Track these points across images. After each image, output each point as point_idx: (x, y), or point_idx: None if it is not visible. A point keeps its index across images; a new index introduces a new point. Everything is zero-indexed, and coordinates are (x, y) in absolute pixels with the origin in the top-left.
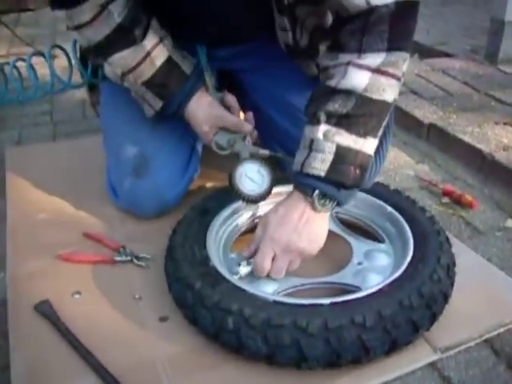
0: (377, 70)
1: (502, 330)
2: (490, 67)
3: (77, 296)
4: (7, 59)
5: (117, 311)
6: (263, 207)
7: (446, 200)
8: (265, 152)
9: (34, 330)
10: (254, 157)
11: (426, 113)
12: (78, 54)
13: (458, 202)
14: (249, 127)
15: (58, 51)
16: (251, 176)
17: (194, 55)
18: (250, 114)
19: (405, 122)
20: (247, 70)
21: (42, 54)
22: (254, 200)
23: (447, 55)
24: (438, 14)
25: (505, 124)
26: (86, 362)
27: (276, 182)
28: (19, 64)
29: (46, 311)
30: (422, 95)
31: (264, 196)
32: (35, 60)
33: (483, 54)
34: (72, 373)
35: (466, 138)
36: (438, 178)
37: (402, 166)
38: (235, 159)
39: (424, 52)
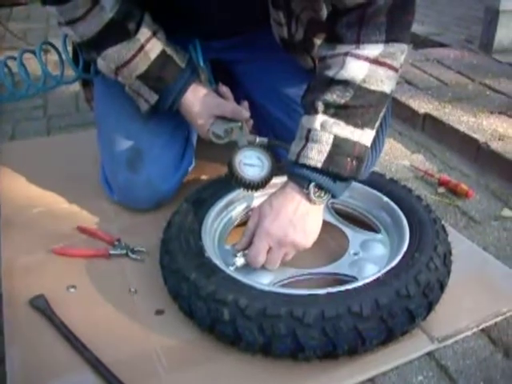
0: (375, 61)
1: (498, 319)
2: (485, 57)
3: (72, 290)
4: None
5: (112, 305)
6: (257, 199)
7: (441, 190)
8: (263, 139)
9: (29, 325)
10: (252, 144)
11: (421, 103)
12: (70, 48)
13: (453, 191)
14: (246, 114)
15: (49, 46)
16: (251, 162)
17: (187, 48)
18: (246, 103)
19: (400, 112)
20: (242, 60)
21: (32, 52)
22: (255, 186)
23: (442, 45)
24: (432, 4)
25: (500, 113)
26: (82, 355)
27: (276, 168)
28: (10, 62)
29: (40, 305)
30: (417, 85)
31: (265, 182)
32: (27, 55)
33: (478, 44)
34: (67, 367)
35: (462, 128)
36: (434, 168)
37: (398, 157)
38: (232, 149)
39: (419, 42)
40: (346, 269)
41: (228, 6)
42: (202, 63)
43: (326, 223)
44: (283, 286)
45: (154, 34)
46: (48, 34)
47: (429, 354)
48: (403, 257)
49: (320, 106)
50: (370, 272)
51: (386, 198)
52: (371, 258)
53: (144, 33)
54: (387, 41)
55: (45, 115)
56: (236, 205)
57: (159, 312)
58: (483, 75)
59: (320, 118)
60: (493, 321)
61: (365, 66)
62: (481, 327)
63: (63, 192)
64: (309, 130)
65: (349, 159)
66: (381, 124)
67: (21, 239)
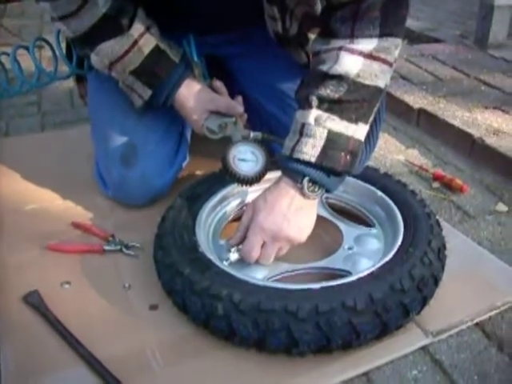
0: (369, 56)
1: (493, 313)
2: (480, 52)
3: (66, 286)
4: None
5: (106, 300)
6: (252, 194)
7: (436, 185)
8: (257, 134)
9: (23, 321)
10: (246, 139)
11: (415, 98)
12: (64, 45)
13: (448, 186)
14: (240, 109)
15: (43, 42)
16: (245, 157)
17: (181, 43)
18: (240, 98)
19: (395, 107)
20: (236, 55)
21: (26, 48)
22: (249, 181)
23: (437, 41)
24: None
25: (494, 108)
26: (76, 351)
27: (270, 163)
28: (4, 58)
29: (35, 302)
30: (412, 80)
31: (259, 176)
32: (21, 51)
33: (473, 39)
34: (62, 363)
35: (456, 123)
36: (429, 163)
37: (392, 152)
38: (226, 144)
39: (414, 38)
40: (340, 263)
41: (223, 2)
42: (195, 58)
43: (320, 218)
44: (277, 280)
45: (148, 29)
46: (42, 31)
47: (423, 348)
48: (397, 251)
49: (314, 101)
50: (364, 266)
51: (380, 193)
52: (365, 253)
53: (137, 28)
54: (381, 35)
55: (39, 111)
56: (230, 200)
57: (153, 307)
58: (478, 70)
59: (314, 113)
60: (487, 315)
61: (359, 60)
62: (475, 321)
63: (57, 188)
64: (303, 125)
65: (343, 154)
66: (375, 119)
67: (15, 235)
